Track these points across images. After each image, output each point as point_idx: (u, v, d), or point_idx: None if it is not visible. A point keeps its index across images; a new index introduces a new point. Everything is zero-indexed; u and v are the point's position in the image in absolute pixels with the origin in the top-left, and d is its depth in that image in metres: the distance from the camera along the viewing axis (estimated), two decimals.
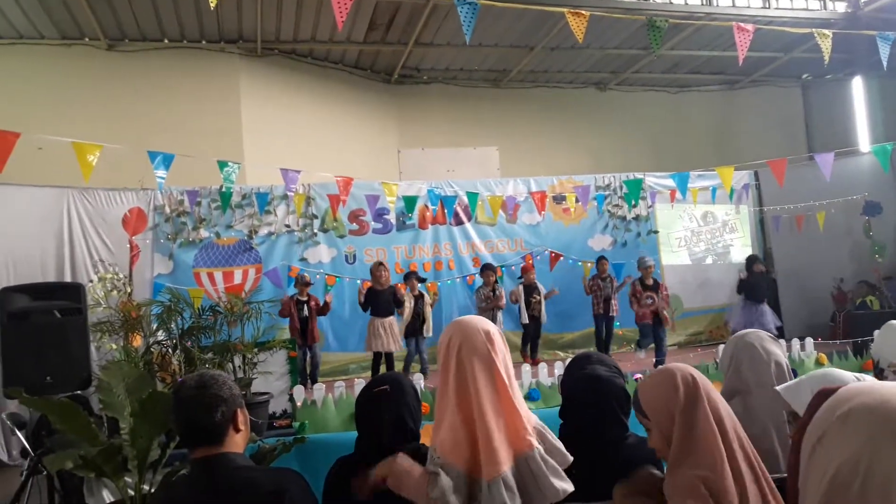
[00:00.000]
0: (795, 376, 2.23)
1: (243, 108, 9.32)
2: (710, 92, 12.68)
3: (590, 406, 2.13)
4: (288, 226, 8.38)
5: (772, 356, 2.40)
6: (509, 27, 9.46)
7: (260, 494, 1.71)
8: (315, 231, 8.46)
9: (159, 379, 4.19)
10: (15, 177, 5.53)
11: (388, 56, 10.41)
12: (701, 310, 9.96)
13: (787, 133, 12.50)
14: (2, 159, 4.29)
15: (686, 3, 9.40)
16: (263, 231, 8.27)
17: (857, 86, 12.16)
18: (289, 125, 9.73)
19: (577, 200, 8.99)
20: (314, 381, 6.47)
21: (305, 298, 7.40)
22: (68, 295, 4.61)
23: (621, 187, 9.48)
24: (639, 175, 9.13)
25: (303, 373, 6.96)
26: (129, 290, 6.11)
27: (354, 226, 8.63)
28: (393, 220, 8.79)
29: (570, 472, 1.89)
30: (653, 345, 7.87)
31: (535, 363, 7.07)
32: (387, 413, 2.02)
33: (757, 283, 8.44)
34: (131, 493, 2.85)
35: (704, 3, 9.51)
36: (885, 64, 6.00)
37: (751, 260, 8.81)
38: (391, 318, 7.45)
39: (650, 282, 7.87)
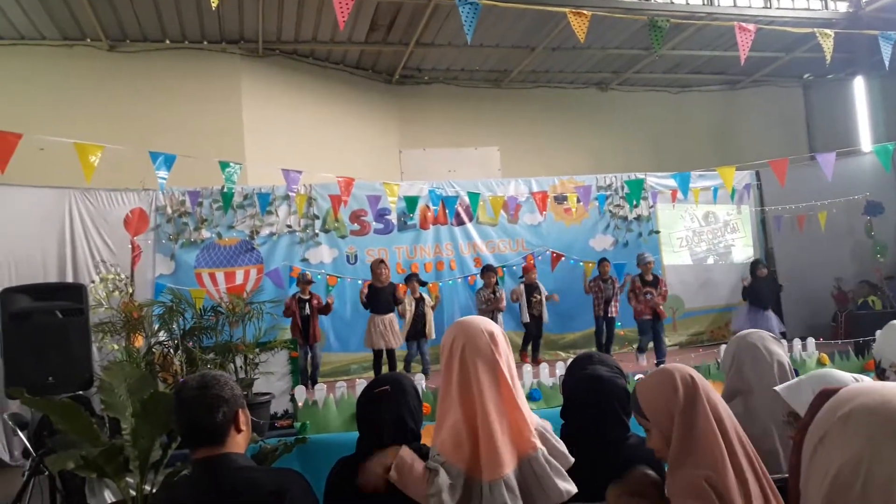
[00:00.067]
0: (797, 377, 2.23)
1: (245, 109, 9.33)
2: (712, 92, 12.68)
3: (591, 406, 2.13)
4: (289, 226, 8.39)
5: (774, 356, 2.40)
6: (510, 27, 9.46)
7: (261, 495, 1.71)
8: (316, 231, 8.47)
9: (161, 379, 4.18)
10: (16, 177, 5.55)
11: (389, 56, 10.41)
12: (702, 310, 9.96)
13: (789, 133, 12.49)
14: (4, 160, 4.30)
15: (687, 3, 9.39)
16: (265, 231, 8.29)
17: (859, 85, 12.14)
18: (290, 125, 9.73)
19: (578, 200, 8.99)
20: (314, 382, 6.47)
21: (308, 297, 7.41)
22: (70, 295, 4.61)
23: (623, 187, 9.47)
24: (640, 175, 9.13)
25: (304, 373, 6.96)
26: (130, 290, 6.11)
27: (356, 226, 8.64)
28: (394, 221, 8.79)
29: (572, 472, 1.89)
30: (652, 344, 7.87)
31: (536, 363, 7.08)
32: (387, 413, 2.02)
33: (761, 289, 8.44)
34: (133, 493, 2.86)
35: (706, 2, 9.51)
36: (886, 64, 6.00)
37: (754, 265, 8.82)
38: (391, 315, 7.47)
39: (649, 278, 7.88)
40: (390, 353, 7.43)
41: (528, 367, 4.97)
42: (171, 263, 7.89)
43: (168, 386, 4.00)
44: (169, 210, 7.93)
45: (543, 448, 1.86)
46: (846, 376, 1.88)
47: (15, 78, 8.54)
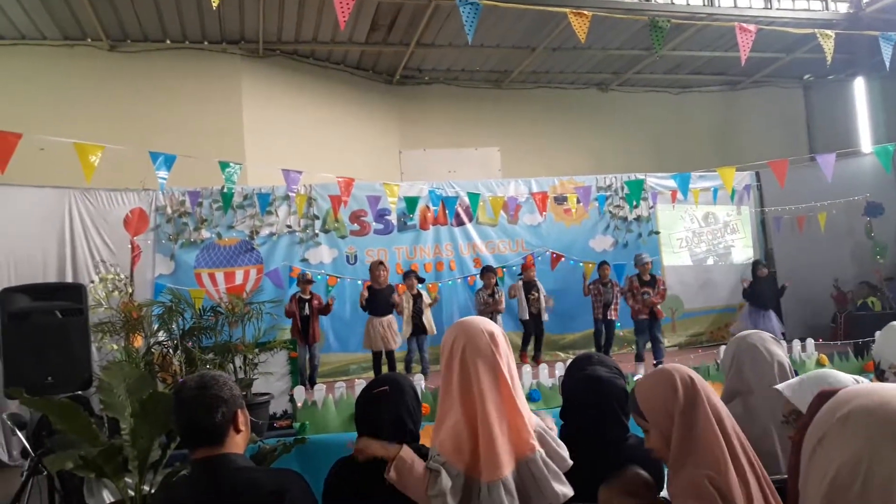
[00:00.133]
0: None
1: (245, 109, 9.33)
2: (712, 92, 12.68)
3: (590, 407, 2.13)
4: (289, 226, 8.39)
5: (774, 357, 2.40)
6: (511, 28, 9.46)
7: (261, 495, 1.71)
8: (316, 232, 8.47)
9: (160, 379, 4.18)
10: (16, 177, 5.54)
11: (389, 57, 10.42)
12: (702, 310, 9.96)
13: (789, 134, 12.49)
14: (4, 160, 4.30)
15: (688, 4, 9.40)
16: (265, 231, 8.28)
17: (859, 86, 12.14)
18: (290, 126, 9.73)
19: (578, 201, 8.99)
20: (313, 384, 6.46)
21: (308, 297, 7.41)
22: (69, 295, 4.61)
23: (623, 188, 9.47)
24: (640, 176, 9.13)
25: (303, 373, 6.96)
26: (130, 290, 6.11)
27: (356, 226, 8.64)
28: (394, 221, 8.79)
29: (571, 473, 1.89)
30: (649, 344, 7.85)
31: (538, 363, 7.07)
32: (386, 414, 2.02)
33: (762, 290, 8.43)
34: (132, 493, 2.86)
35: (706, 3, 9.51)
36: (887, 64, 6.01)
37: (755, 266, 8.79)
38: (389, 316, 7.47)
39: (647, 277, 7.87)
40: (390, 353, 7.43)
41: (527, 368, 4.97)
42: (170, 263, 7.89)
43: (167, 386, 4.00)
44: (169, 210, 7.93)
45: (542, 450, 1.86)
46: (846, 377, 1.88)
47: (15, 78, 8.54)
